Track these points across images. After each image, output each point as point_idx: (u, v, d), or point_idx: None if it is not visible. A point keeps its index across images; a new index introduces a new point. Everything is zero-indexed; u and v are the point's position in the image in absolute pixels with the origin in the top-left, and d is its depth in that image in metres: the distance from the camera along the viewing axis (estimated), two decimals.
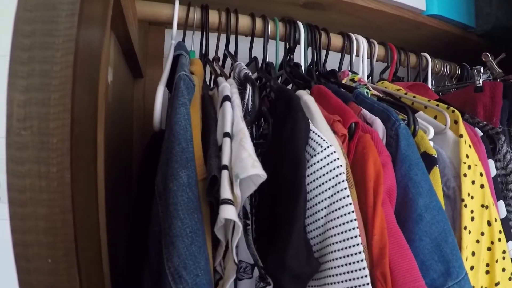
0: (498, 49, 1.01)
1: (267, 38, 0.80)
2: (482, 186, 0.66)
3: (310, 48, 0.83)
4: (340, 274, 0.46)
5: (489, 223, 0.66)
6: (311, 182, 0.50)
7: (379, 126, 0.63)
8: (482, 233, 0.66)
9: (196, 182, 0.44)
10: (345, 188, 0.48)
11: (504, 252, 0.68)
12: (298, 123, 0.52)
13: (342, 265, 0.46)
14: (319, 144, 0.50)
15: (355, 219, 0.47)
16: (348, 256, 0.46)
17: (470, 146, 0.68)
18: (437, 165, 0.65)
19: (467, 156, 0.66)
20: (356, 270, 0.46)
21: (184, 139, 0.45)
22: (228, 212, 0.39)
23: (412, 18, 0.94)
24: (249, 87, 0.59)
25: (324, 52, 0.85)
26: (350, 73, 0.83)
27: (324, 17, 0.96)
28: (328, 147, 0.50)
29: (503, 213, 0.73)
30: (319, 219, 0.50)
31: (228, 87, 0.56)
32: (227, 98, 0.53)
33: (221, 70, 0.73)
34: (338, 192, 0.48)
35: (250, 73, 0.63)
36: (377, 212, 0.51)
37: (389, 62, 0.89)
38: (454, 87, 0.99)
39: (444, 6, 0.97)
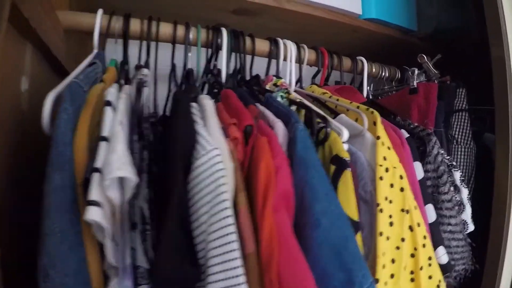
0: (440, 51, 0.99)
1: (188, 45, 0.78)
2: (402, 189, 0.63)
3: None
4: (217, 281, 0.44)
5: (411, 228, 0.63)
6: (194, 186, 0.49)
7: (279, 128, 0.60)
8: (403, 239, 0.62)
9: (72, 184, 0.45)
10: (224, 192, 0.47)
11: (430, 258, 0.64)
12: (175, 128, 0.52)
13: (220, 272, 0.45)
14: (203, 148, 0.50)
15: (231, 224, 0.46)
16: (225, 262, 0.45)
17: (389, 148, 0.64)
18: (349, 168, 0.61)
19: (385, 159, 0.63)
20: (232, 277, 0.44)
21: (62, 143, 0.46)
22: (92, 214, 0.40)
23: (348, 22, 0.92)
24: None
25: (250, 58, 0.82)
26: (274, 78, 0.80)
27: (258, 23, 0.94)
28: (211, 150, 0.49)
29: (432, 217, 0.70)
30: (202, 224, 0.48)
31: (112, 92, 0.54)
32: (107, 103, 0.52)
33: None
34: (217, 196, 0.47)
35: (145, 79, 0.60)
36: (265, 217, 0.49)
37: (320, 66, 0.87)
38: (393, 90, 0.96)
39: (383, 10, 0.95)
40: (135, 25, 0.76)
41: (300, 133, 0.57)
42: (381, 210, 0.61)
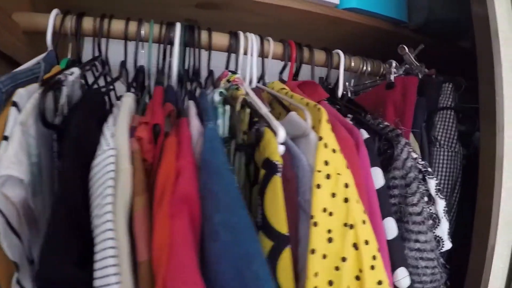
0: (433, 43, 0.87)
1: (140, 41, 0.74)
2: (346, 200, 0.54)
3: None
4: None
5: (355, 246, 0.53)
6: (91, 187, 0.47)
7: (194, 127, 0.54)
8: (344, 259, 0.53)
9: None
10: (108, 196, 0.44)
11: (380, 283, 0.54)
12: (72, 126, 0.50)
13: (99, 278, 0.42)
14: (101, 147, 0.48)
15: (109, 230, 0.43)
16: (102, 268, 0.42)
17: (334, 151, 0.55)
18: (278, 174, 0.53)
19: (327, 163, 0.54)
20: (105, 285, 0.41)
21: None
22: None
23: (325, 13, 0.83)
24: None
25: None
26: (230, 73, 0.74)
27: (235, 18, 0.89)
28: (106, 150, 0.47)
29: (392, 233, 0.59)
30: (94, 227, 0.45)
31: (20, 93, 0.53)
32: (13, 103, 0.50)
33: None
34: (103, 198, 0.44)
35: (63, 79, 0.57)
36: (157, 223, 0.44)
37: (287, 60, 0.79)
38: (374, 85, 0.86)
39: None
40: (87, 23, 0.73)
41: (208, 132, 0.50)
42: (315, 224, 0.52)
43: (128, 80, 0.75)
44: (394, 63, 0.78)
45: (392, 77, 0.77)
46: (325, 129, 0.56)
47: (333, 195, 0.54)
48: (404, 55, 0.79)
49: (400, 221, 0.63)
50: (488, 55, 0.64)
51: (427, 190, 0.65)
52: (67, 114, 0.55)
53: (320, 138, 0.55)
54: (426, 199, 0.64)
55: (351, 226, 0.53)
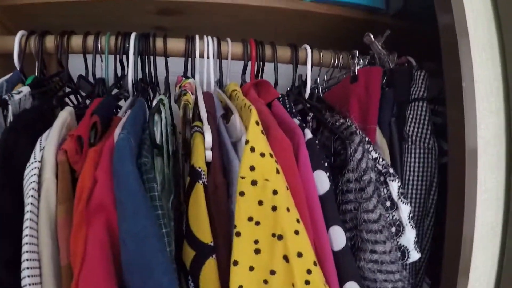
0: (415, 29, 0.78)
1: (97, 54, 0.74)
2: (274, 208, 0.49)
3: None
4: None
5: (286, 259, 0.48)
6: (24, 196, 0.49)
7: (115, 136, 0.52)
8: (273, 272, 0.48)
9: None
10: (28, 204, 0.47)
11: None
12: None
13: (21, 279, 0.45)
14: (29, 160, 0.51)
15: (26, 235, 0.45)
16: (22, 270, 0.45)
17: (262, 155, 0.50)
18: (200, 181, 0.50)
19: (253, 169, 0.50)
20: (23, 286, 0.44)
21: None
22: None
23: (291, 7, 0.78)
24: None
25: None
26: (183, 78, 0.71)
27: (196, 21, 0.86)
28: (32, 163, 0.50)
29: (340, 244, 0.53)
30: None
31: None
32: None
33: None
34: (26, 206, 0.47)
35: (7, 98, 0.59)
36: (73, 229, 0.46)
37: (246, 60, 0.74)
38: (340, 80, 0.78)
39: None
40: (50, 41, 0.75)
41: (118, 142, 0.48)
42: (238, 234, 0.48)
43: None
44: (356, 53, 0.71)
45: (355, 69, 0.70)
46: (253, 131, 0.52)
47: (260, 202, 0.49)
48: (371, 44, 0.71)
49: (356, 229, 0.56)
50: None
51: (389, 194, 0.57)
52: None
53: (247, 142, 0.51)
54: (388, 204, 0.57)
55: (280, 237, 0.48)
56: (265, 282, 0.48)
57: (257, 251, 0.48)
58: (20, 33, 0.74)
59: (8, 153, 0.51)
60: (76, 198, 0.48)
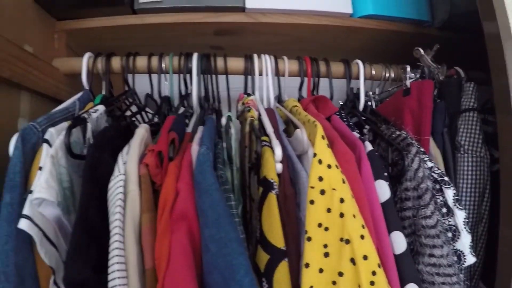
0: (461, 39, 0.81)
1: (161, 73, 0.81)
2: (341, 215, 0.54)
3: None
4: None
5: (353, 261, 0.52)
6: (108, 206, 0.54)
7: (193, 151, 0.59)
8: (341, 273, 0.52)
9: (18, 202, 0.55)
10: (117, 213, 0.52)
11: None
12: (88, 156, 0.58)
13: (109, 281, 0.49)
14: (113, 173, 0.56)
15: (116, 241, 0.50)
16: (110, 273, 0.49)
17: (329, 167, 0.56)
18: (273, 191, 0.55)
19: (321, 179, 0.55)
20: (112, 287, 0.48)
21: (12, 172, 0.56)
22: (21, 224, 0.52)
23: (339, 24, 0.83)
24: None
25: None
26: (245, 95, 0.77)
27: (250, 40, 0.93)
28: (117, 175, 0.55)
29: (401, 248, 0.57)
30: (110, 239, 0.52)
31: (50, 132, 0.61)
32: (44, 140, 0.60)
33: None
34: (113, 215, 0.52)
35: (86, 116, 0.66)
36: (158, 236, 0.51)
37: (303, 76, 0.79)
38: (393, 93, 0.82)
39: (382, 4, 0.82)
40: (115, 62, 0.83)
41: (199, 157, 0.54)
42: (309, 239, 0.53)
43: (157, 106, 0.83)
44: (408, 68, 0.75)
45: (407, 83, 0.73)
46: (320, 145, 0.57)
47: (328, 210, 0.54)
48: (420, 58, 0.75)
49: (414, 235, 0.60)
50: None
51: (445, 201, 0.61)
52: (88, 146, 0.64)
53: (315, 155, 0.56)
54: (444, 210, 0.61)
55: (347, 241, 0.53)
56: (334, 283, 0.52)
57: (326, 255, 0.53)
58: (87, 55, 0.82)
59: (93, 167, 0.57)
60: (160, 208, 0.53)
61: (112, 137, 0.63)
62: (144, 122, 0.83)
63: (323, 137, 0.57)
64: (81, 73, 0.81)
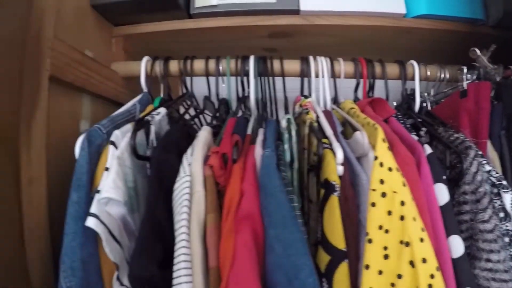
0: None
1: (219, 76, 0.85)
2: (402, 218, 0.55)
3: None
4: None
5: (412, 264, 0.54)
6: (173, 206, 0.58)
7: (257, 154, 0.61)
8: (400, 276, 0.54)
9: (85, 201, 0.60)
10: (183, 213, 0.55)
11: None
12: (154, 157, 0.63)
13: (174, 278, 0.52)
14: (179, 174, 0.59)
15: (183, 240, 0.53)
16: (176, 270, 0.52)
17: (390, 169, 0.58)
18: (335, 193, 0.57)
19: (382, 182, 0.57)
20: (178, 284, 0.51)
21: (79, 173, 0.61)
22: (89, 222, 0.55)
23: (393, 24, 0.83)
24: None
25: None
26: (302, 97, 0.79)
27: (304, 41, 0.95)
28: (183, 177, 0.58)
29: (458, 252, 0.58)
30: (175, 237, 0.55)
31: (116, 134, 0.65)
32: (111, 142, 0.64)
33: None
34: (180, 215, 0.55)
35: (150, 119, 0.70)
36: (223, 236, 0.53)
37: (359, 78, 0.81)
38: (449, 94, 0.82)
39: (436, 4, 0.82)
40: (173, 65, 0.86)
41: (265, 159, 0.57)
42: (370, 241, 0.55)
43: (215, 108, 0.87)
44: (464, 69, 0.75)
45: (464, 84, 0.74)
46: (381, 148, 0.59)
47: (389, 212, 0.56)
48: (476, 58, 0.75)
49: (471, 239, 0.61)
50: None
51: (503, 206, 0.61)
52: (154, 147, 0.68)
53: (376, 158, 0.58)
54: (502, 215, 0.61)
55: (407, 244, 0.54)
56: (392, 285, 0.54)
57: (386, 257, 0.55)
58: (145, 59, 0.86)
59: (161, 168, 0.61)
60: (225, 208, 0.55)
61: (177, 139, 0.67)
62: (201, 124, 0.87)
63: (383, 140, 0.59)
64: (140, 76, 0.85)
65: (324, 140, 0.64)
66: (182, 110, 0.86)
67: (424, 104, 0.83)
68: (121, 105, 0.80)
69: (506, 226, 0.61)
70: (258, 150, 0.61)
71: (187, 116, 0.85)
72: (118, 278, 0.59)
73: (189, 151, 0.64)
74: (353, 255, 0.57)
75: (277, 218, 0.52)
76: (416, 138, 0.66)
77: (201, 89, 0.89)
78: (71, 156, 0.64)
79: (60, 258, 0.57)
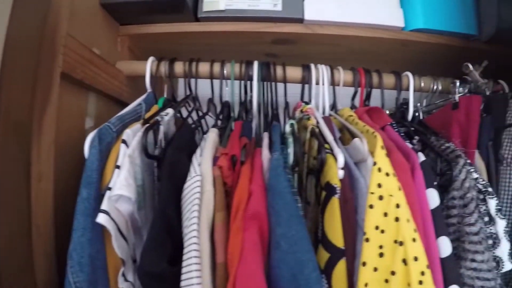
0: (508, 53, 0.86)
1: (223, 79, 0.88)
2: (397, 219, 0.60)
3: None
4: (181, 281, 0.54)
5: (404, 262, 0.59)
6: (182, 204, 0.61)
7: (265, 156, 0.65)
8: (393, 273, 0.59)
9: (94, 197, 0.61)
10: (194, 211, 0.57)
11: None
12: (167, 157, 0.65)
13: (184, 273, 0.54)
14: (190, 174, 0.62)
15: (194, 237, 0.55)
16: (186, 266, 0.54)
17: (387, 175, 0.62)
18: (336, 195, 0.61)
19: (380, 186, 0.61)
20: (188, 281, 0.53)
21: (90, 170, 0.62)
22: (100, 219, 0.57)
23: (391, 37, 0.88)
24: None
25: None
26: (303, 104, 0.83)
27: (306, 49, 0.99)
28: (194, 176, 0.61)
29: (446, 252, 0.63)
30: (184, 236, 0.58)
31: (127, 132, 0.67)
32: (122, 141, 0.66)
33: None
34: (190, 213, 0.57)
35: (159, 119, 0.72)
36: (231, 234, 0.56)
37: (357, 86, 0.85)
38: (440, 105, 0.87)
39: (432, 18, 0.87)
40: (178, 67, 0.89)
41: (274, 162, 0.61)
42: (367, 240, 0.59)
43: (216, 112, 0.90)
44: (457, 83, 0.80)
45: (456, 97, 0.79)
46: (379, 155, 0.63)
47: (385, 214, 0.60)
48: (469, 73, 0.80)
49: (458, 241, 0.66)
50: None
51: (488, 210, 0.67)
52: (164, 147, 0.70)
53: (374, 163, 0.62)
54: (486, 219, 0.66)
55: (401, 243, 0.59)
56: (386, 281, 0.58)
57: (381, 255, 0.59)
58: (150, 59, 0.88)
59: (173, 167, 0.64)
60: (234, 207, 0.58)
61: (188, 140, 0.71)
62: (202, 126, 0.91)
63: (382, 147, 0.64)
64: (145, 76, 0.87)
65: (326, 145, 0.69)
66: (183, 111, 0.89)
67: (417, 114, 0.88)
68: (123, 103, 0.82)
69: (490, 229, 0.66)
70: (265, 153, 0.65)
71: (190, 118, 0.88)
72: (123, 274, 0.62)
73: (198, 151, 0.67)
74: (350, 253, 0.61)
75: (284, 217, 0.56)
76: (410, 146, 0.70)
77: (202, 92, 0.92)
78: (76, 153, 0.65)
79: (68, 254, 0.58)
